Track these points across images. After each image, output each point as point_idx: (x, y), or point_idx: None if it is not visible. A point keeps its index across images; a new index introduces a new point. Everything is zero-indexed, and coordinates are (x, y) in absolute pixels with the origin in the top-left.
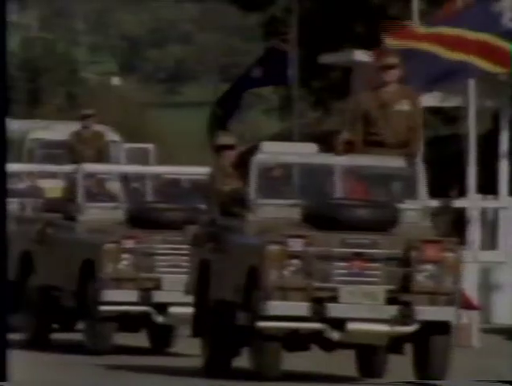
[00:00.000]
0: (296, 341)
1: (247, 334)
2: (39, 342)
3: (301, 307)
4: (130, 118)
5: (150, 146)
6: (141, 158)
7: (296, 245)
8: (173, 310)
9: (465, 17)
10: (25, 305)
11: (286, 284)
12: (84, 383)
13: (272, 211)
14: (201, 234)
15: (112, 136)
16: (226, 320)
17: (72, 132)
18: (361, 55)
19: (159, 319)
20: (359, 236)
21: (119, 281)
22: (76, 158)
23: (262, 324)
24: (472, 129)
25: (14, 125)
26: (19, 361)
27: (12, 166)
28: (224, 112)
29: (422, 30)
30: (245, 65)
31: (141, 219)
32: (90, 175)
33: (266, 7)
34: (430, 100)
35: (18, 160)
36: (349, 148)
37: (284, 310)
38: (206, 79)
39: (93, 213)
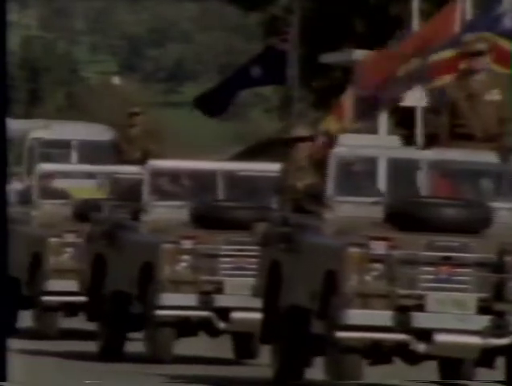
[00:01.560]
0: (378, 353)
1: (322, 344)
2: (111, 353)
3: (384, 316)
4: None
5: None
6: None
7: (379, 248)
8: (236, 315)
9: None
10: (99, 312)
11: (368, 290)
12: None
13: (352, 209)
14: (272, 233)
15: (112, 136)
16: (300, 328)
17: (119, 130)
18: (362, 55)
19: (221, 325)
20: (448, 238)
21: (177, 284)
22: (121, 159)
23: (340, 334)
24: None
25: (14, 125)
26: (19, 361)
27: (59, 167)
28: (214, 106)
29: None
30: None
31: (205, 218)
32: (158, 172)
33: (266, 7)
34: None
35: (18, 160)
36: (434, 141)
37: (365, 319)
38: (206, 78)
39: (159, 212)
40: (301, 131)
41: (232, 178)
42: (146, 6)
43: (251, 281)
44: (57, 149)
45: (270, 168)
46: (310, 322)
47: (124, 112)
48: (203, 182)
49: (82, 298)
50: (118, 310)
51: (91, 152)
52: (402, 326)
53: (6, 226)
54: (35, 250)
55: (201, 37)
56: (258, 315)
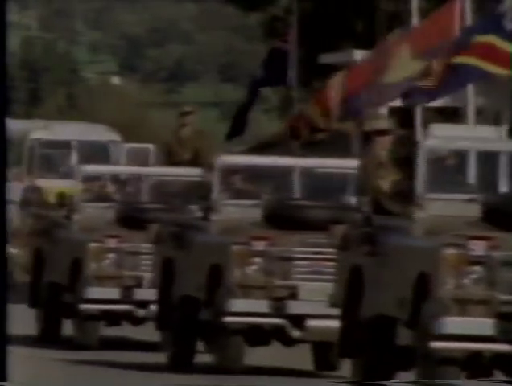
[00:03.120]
0: (477, 365)
1: (413, 356)
2: (181, 364)
3: (484, 324)
4: (130, 118)
5: (150, 146)
6: (141, 157)
7: (478, 249)
8: (312, 323)
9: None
10: (169, 321)
11: (466, 295)
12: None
13: (444, 207)
14: (352, 235)
15: (112, 136)
16: (385, 339)
17: (172, 132)
18: (361, 55)
19: (295, 334)
20: None
21: (248, 289)
22: (172, 161)
23: (435, 344)
24: None
25: (14, 125)
26: (19, 361)
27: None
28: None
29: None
30: (246, 66)
31: (278, 218)
32: (229, 169)
33: (266, 7)
34: None
35: (18, 160)
36: None
37: (463, 328)
38: (206, 78)
39: (229, 212)
40: (382, 123)
41: (308, 175)
42: (146, 5)
43: (328, 286)
44: (57, 150)
45: (349, 164)
46: (397, 332)
47: (124, 112)
48: (277, 179)
49: (124, 307)
50: (186, 316)
51: (91, 152)
52: (505, 335)
53: (6, 226)
54: (75, 255)
55: (201, 37)
56: (335, 323)
